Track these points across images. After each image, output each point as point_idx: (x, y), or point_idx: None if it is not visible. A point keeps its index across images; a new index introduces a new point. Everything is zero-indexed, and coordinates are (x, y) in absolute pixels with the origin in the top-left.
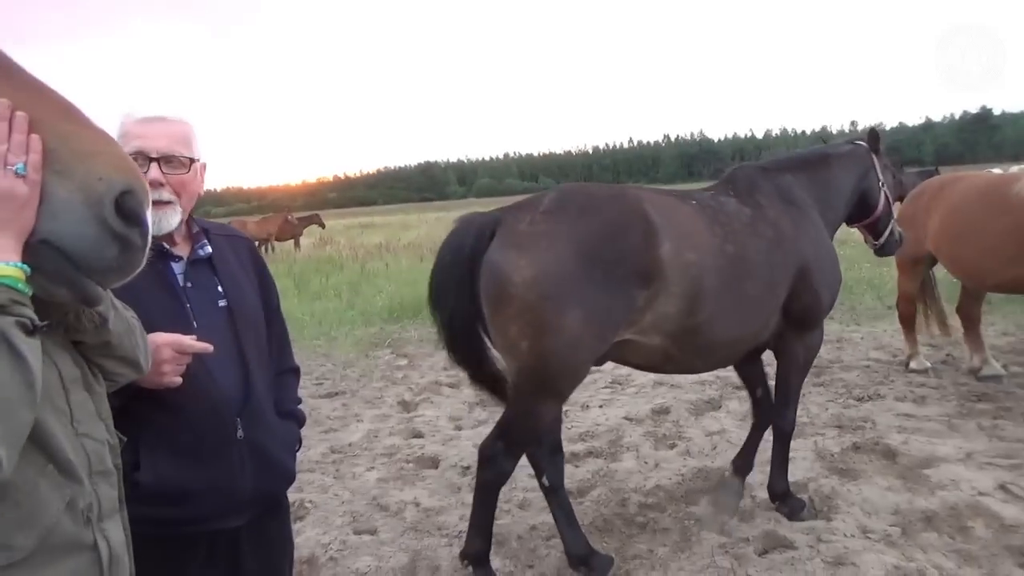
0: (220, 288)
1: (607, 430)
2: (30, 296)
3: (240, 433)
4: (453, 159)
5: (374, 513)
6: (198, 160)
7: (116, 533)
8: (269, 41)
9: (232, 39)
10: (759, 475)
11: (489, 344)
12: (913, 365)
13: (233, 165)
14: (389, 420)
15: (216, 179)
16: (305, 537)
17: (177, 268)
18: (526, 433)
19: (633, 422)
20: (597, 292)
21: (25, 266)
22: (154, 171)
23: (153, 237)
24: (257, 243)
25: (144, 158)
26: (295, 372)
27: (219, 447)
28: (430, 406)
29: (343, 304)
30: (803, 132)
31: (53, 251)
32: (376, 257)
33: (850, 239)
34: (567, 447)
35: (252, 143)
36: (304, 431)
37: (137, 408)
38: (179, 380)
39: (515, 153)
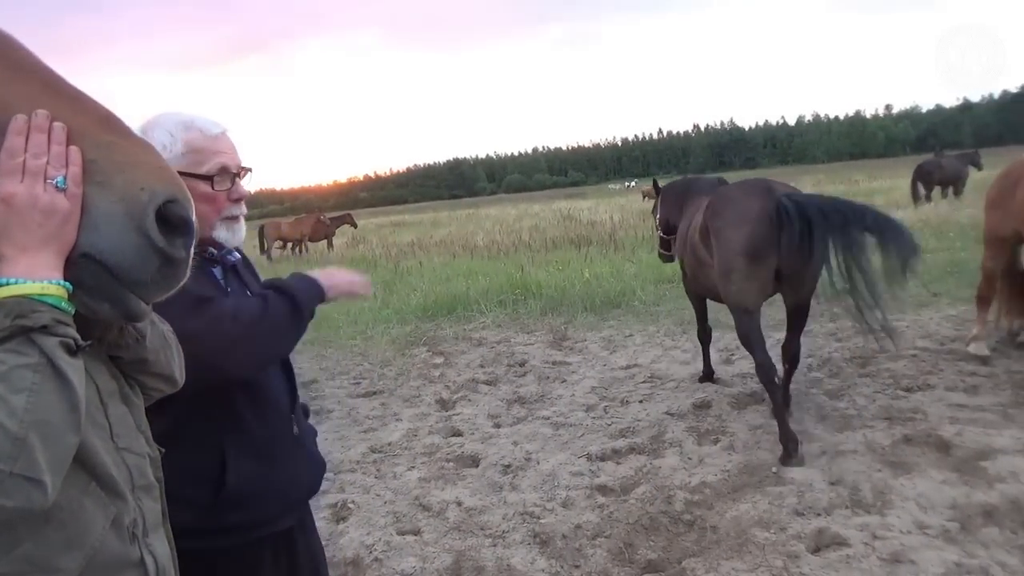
0: (249, 292)
1: (648, 425)
2: (72, 314)
3: (296, 430)
4: (482, 155)
5: (417, 513)
6: None
7: (161, 547)
8: (296, 44)
9: (260, 44)
10: (809, 471)
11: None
12: (971, 349)
13: (265, 167)
14: (428, 419)
15: (250, 182)
16: (349, 538)
17: (217, 273)
18: None
19: (675, 417)
20: None
21: (67, 284)
22: (242, 187)
23: (231, 249)
24: (291, 244)
25: (228, 174)
26: None
27: (285, 445)
28: (468, 404)
29: (378, 303)
30: (836, 117)
31: (94, 265)
32: (409, 255)
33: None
34: (606, 443)
35: (283, 145)
36: (344, 431)
37: (220, 412)
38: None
39: (544, 148)
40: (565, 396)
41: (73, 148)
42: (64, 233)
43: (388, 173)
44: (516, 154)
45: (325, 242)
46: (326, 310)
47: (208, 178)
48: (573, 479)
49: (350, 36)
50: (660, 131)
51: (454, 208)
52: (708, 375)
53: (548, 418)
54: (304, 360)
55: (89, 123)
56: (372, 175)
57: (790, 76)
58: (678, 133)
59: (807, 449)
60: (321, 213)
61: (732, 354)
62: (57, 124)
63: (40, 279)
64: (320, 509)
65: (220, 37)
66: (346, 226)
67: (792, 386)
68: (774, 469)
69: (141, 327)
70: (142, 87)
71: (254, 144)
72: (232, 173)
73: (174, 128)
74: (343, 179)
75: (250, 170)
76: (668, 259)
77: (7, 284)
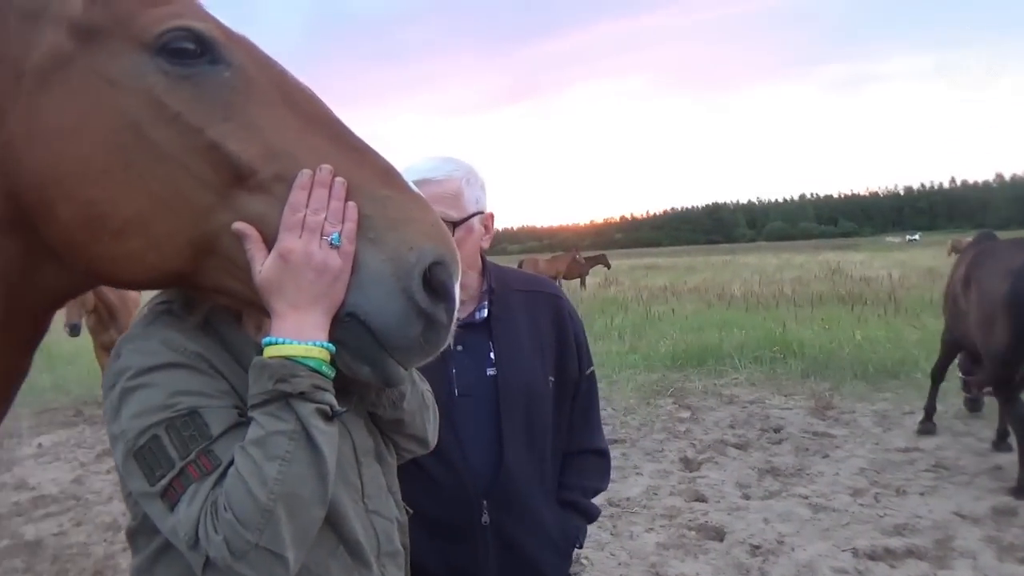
0: (492, 355)
1: (932, 526)
2: (332, 378)
3: (485, 518)
4: (743, 200)
5: None
6: (475, 214)
7: None
8: (566, 90)
9: (534, 89)
10: None
11: None
12: None
13: (528, 205)
14: (670, 477)
15: (514, 218)
16: None
17: None
18: None
19: (967, 520)
20: None
21: (331, 346)
22: None
23: (481, 305)
24: None
25: None
26: (599, 455)
27: (461, 529)
28: (714, 467)
29: (625, 347)
30: None
31: (359, 326)
32: (660, 300)
33: None
34: (877, 539)
35: (546, 185)
36: None
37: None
38: None
39: (812, 194)
40: (827, 474)
41: (351, 204)
42: (334, 292)
43: (645, 215)
44: (780, 200)
45: (578, 280)
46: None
47: None
48: None
49: (617, 82)
50: (953, 180)
51: (710, 254)
52: (928, 416)
53: (806, 497)
54: None
55: (369, 177)
56: (628, 216)
57: None
58: (976, 183)
59: None
60: (577, 252)
61: None
62: (338, 180)
63: (306, 340)
64: None
65: (499, 84)
66: (600, 266)
67: None
68: None
69: (402, 388)
70: (430, 130)
71: (519, 184)
72: None
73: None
74: (600, 219)
75: (461, 221)
76: (974, 405)
77: (275, 344)
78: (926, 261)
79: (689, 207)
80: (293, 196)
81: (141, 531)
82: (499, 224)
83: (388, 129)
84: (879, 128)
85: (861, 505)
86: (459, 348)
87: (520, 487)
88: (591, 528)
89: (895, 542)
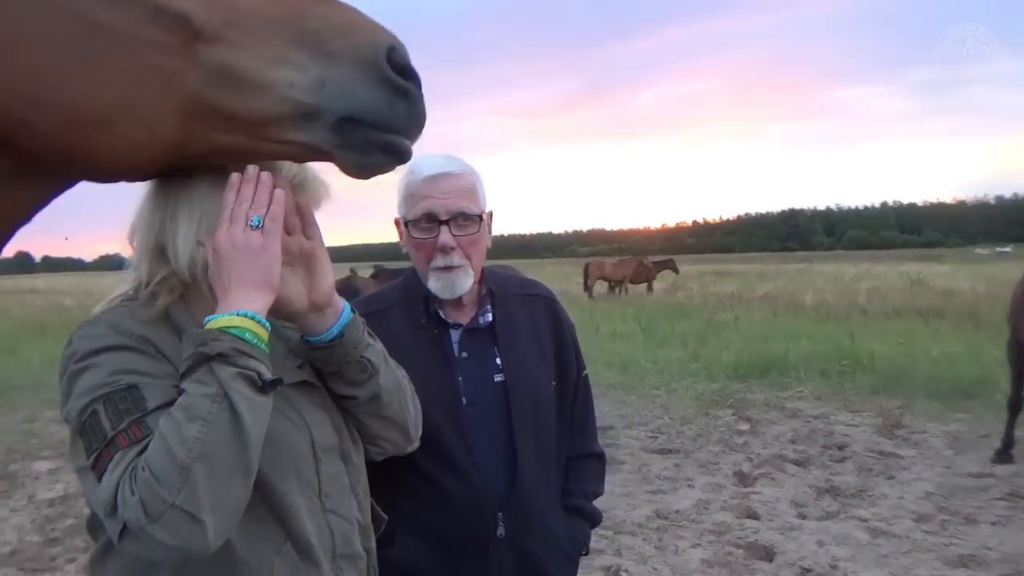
0: (499, 360)
1: (1001, 559)
2: (261, 348)
3: (501, 531)
4: (820, 207)
5: None
6: (486, 211)
7: None
8: (639, 92)
9: (605, 92)
10: None
11: None
12: None
13: (599, 208)
14: (722, 492)
15: (583, 221)
16: None
17: (454, 336)
18: None
19: None
20: None
21: (258, 316)
22: (444, 235)
23: (445, 300)
24: (612, 284)
25: (433, 220)
26: (597, 458)
27: (475, 543)
28: (770, 483)
29: (687, 354)
30: None
31: (354, 125)
32: (727, 308)
33: None
34: (939, 570)
35: (617, 187)
36: (631, 487)
37: (400, 481)
38: None
39: (894, 202)
40: (891, 497)
41: (277, 191)
42: (258, 267)
43: (718, 220)
44: (860, 208)
45: (645, 285)
46: (633, 355)
47: (415, 223)
48: None
49: (692, 84)
50: None
51: (784, 261)
52: (1006, 448)
53: (866, 520)
54: (604, 404)
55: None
56: (700, 221)
57: None
58: None
59: None
60: (645, 256)
61: None
62: (264, 173)
63: (231, 312)
64: (592, 570)
65: (570, 87)
66: (668, 271)
67: None
68: None
69: (374, 361)
70: (502, 133)
71: (591, 186)
72: (439, 220)
73: (402, 174)
74: (671, 223)
75: (481, 216)
76: None
77: (207, 321)
78: (1016, 275)
79: (764, 212)
80: (225, 197)
81: (97, 521)
82: (569, 226)
83: (460, 131)
84: (967, 134)
85: (925, 532)
86: (464, 355)
87: (533, 496)
88: (636, 541)
89: (960, 574)
